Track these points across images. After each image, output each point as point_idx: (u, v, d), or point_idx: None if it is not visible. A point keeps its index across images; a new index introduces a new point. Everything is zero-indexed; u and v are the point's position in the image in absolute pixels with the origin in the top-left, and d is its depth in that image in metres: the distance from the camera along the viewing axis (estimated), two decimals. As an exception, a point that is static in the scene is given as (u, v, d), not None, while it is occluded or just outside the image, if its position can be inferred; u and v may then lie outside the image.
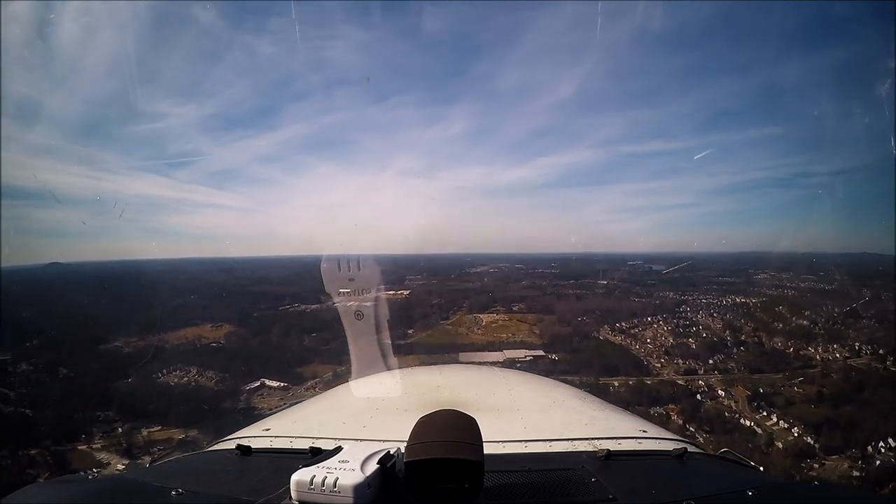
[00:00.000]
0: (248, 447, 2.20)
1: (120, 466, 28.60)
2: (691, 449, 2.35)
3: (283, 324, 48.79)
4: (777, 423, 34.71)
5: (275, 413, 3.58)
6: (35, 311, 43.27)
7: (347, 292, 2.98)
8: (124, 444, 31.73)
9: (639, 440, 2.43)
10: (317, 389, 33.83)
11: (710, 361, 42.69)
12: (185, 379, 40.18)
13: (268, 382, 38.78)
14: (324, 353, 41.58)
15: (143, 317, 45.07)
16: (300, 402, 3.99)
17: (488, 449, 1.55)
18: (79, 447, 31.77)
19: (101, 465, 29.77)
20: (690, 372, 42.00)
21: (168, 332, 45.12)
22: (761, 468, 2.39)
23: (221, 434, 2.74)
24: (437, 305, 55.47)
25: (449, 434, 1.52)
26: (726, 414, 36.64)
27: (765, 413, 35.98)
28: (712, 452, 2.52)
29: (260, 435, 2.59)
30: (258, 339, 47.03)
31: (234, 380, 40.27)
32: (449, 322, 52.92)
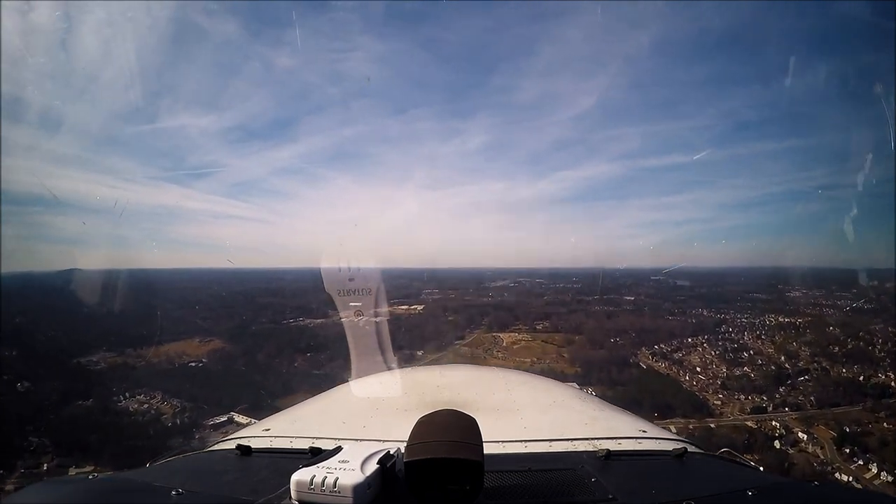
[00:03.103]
0: (248, 447, 2.08)
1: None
2: (691, 449, 2.18)
3: (278, 340, 43.30)
4: (878, 475, 26.93)
5: (275, 414, 3.18)
6: (30, 317, 39.21)
7: (348, 292, 2.68)
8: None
9: (639, 440, 2.30)
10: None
11: (777, 395, 35.65)
12: (146, 405, 33.82)
13: (237, 418, 31.65)
14: (311, 380, 35.42)
15: (135, 329, 40.29)
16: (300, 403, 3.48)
17: (488, 449, 1.46)
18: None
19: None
20: (758, 409, 34.67)
21: (152, 347, 39.41)
22: (761, 468, 2.20)
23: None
24: (453, 323, 49.11)
25: (449, 434, 1.44)
26: (815, 465, 28.71)
27: (860, 461, 28.26)
28: (712, 452, 2.28)
29: (260, 435, 2.46)
30: (244, 360, 40.88)
31: (199, 410, 33.85)
32: (465, 342, 46.19)
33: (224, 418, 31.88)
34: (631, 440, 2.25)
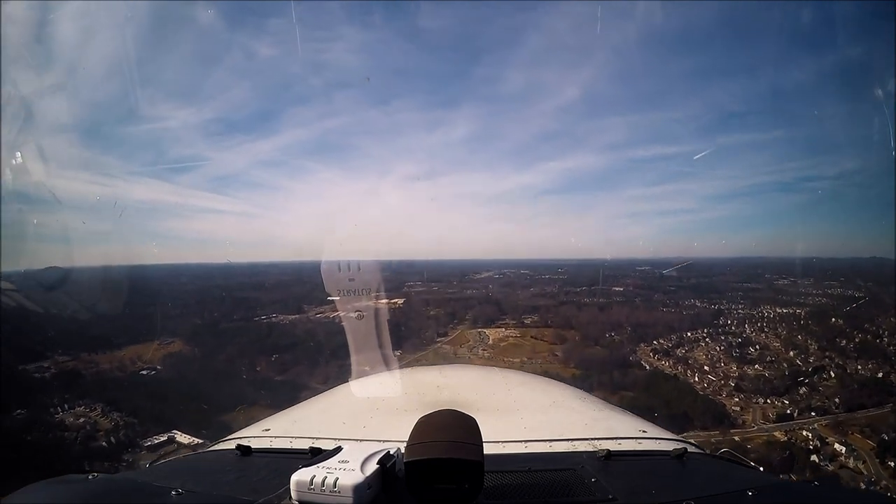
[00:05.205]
0: (248, 447, 2.06)
1: None
2: (691, 449, 2.16)
3: (245, 340, 39.05)
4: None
5: (275, 414, 3.18)
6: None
7: (348, 293, 2.70)
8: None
9: (639, 440, 2.28)
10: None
11: (798, 397, 31.59)
12: (83, 419, 28.81)
13: (178, 437, 27.23)
14: (270, 390, 31.68)
15: (97, 330, 35.82)
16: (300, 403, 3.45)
17: (488, 449, 1.45)
18: None
19: None
20: (782, 416, 30.39)
21: (107, 352, 34.95)
22: (761, 468, 2.17)
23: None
24: (435, 317, 44.62)
25: (449, 434, 1.43)
26: (863, 486, 24.04)
27: (907, 479, 24.32)
28: (712, 453, 2.31)
29: (260, 435, 2.44)
30: (201, 364, 36.27)
31: (139, 427, 29.00)
32: (447, 339, 41.69)
33: (164, 437, 27.45)
34: (631, 440, 2.22)
